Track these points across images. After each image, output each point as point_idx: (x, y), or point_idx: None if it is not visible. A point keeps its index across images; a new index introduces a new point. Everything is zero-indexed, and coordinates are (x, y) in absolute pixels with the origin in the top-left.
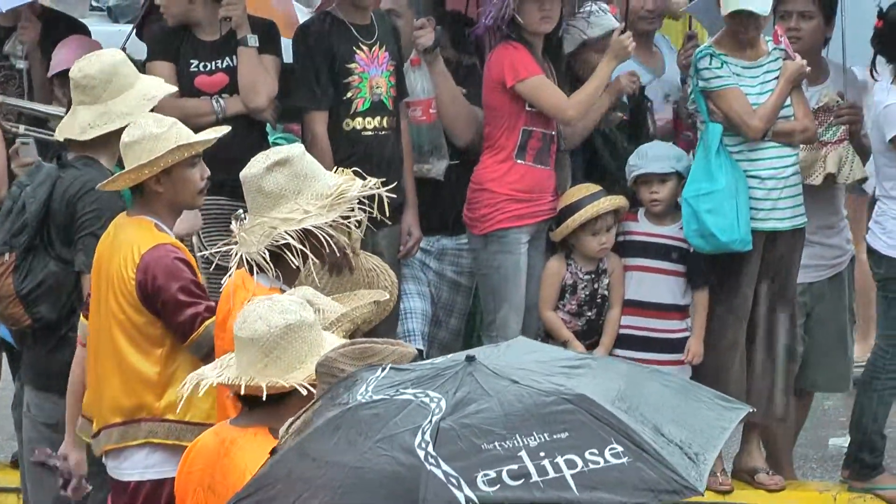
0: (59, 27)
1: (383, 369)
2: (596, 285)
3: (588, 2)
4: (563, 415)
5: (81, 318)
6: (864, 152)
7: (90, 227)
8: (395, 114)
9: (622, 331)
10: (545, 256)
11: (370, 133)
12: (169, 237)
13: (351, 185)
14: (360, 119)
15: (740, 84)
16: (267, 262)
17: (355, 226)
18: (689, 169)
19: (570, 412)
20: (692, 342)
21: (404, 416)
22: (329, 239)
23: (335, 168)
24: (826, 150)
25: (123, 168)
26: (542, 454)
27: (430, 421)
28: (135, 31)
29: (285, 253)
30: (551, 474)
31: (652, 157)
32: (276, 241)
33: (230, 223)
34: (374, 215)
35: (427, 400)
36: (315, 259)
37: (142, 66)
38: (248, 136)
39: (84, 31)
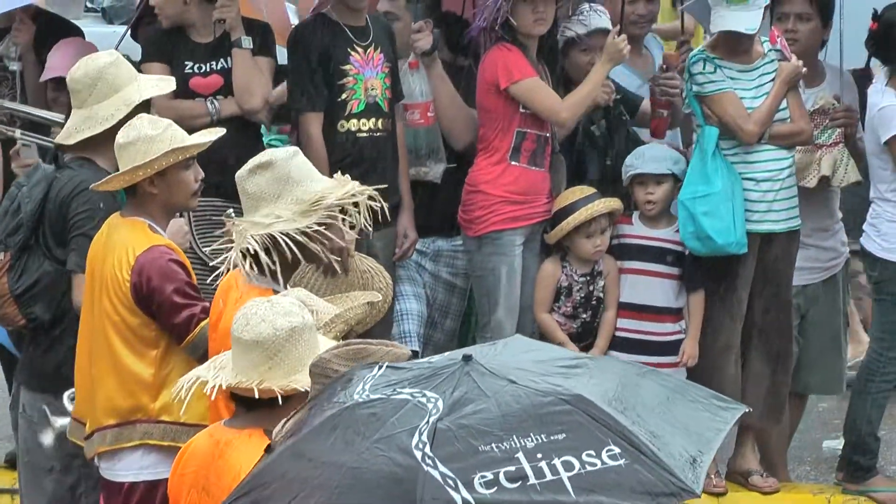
0: (53, 29)
1: (380, 367)
2: (591, 287)
3: (584, 4)
4: (560, 416)
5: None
6: (858, 155)
7: (82, 228)
8: (391, 116)
9: (617, 333)
10: (540, 258)
11: (365, 135)
12: (163, 238)
13: (331, 192)
14: (354, 121)
15: (735, 87)
16: (249, 262)
17: (349, 228)
18: (685, 172)
19: (567, 413)
20: (687, 344)
21: (401, 417)
22: (290, 245)
23: (336, 171)
24: (821, 153)
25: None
26: (539, 456)
27: (428, 421)
28: (129, 32)
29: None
30: (548, 477)
31: (648, 157)
32: (247, 245)
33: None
34: (369, 219)
35: (424, 400)
36: (305, 261)
37: (136, 68)
38: (243, 137)
39: (78, 32)
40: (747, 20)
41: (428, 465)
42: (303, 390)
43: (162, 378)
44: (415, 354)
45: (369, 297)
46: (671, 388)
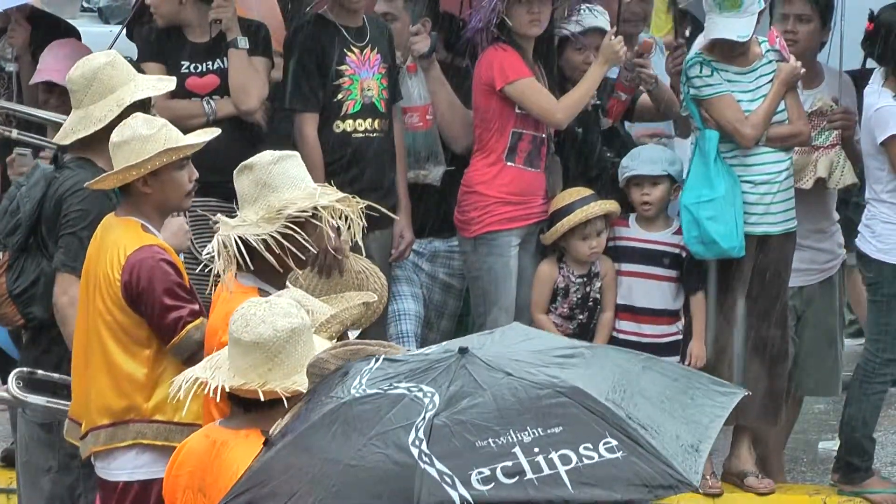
0: (49, 29)
1: (377, 360)
2: (588, 289)
3: (581, 4)
4: (557, 408)
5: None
6: (856, 157)
7: (73, 227)
8: (388, 116)
9: (614, 335)
10: (536, 259)
11: (361, 135)
12: (156, 239)
13: (296, 202)
14: (350, 121)
15: (733, 90)
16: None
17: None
18: (681, 173)
19: (563, 405)
20: (693, 345)
21: (398, 412)
22: (241, 249)
23: (331, 171)
24: (818, 155)
25: None
26: (536, 450)
27: (424, 417)
28: (125, 31)
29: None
30: (546, 471)
31: (644, 158)
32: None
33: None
34: (358, 229)
35: (420, 395)
36: (291, 262)
37: (137, 69)
38: (239, 138)
39: (74, 32)
40: (739, 27)
41: (425, 462)
42: (304, 391)
43: (155, 378)
44: None
45: (365, 298)
46: (671, 375)
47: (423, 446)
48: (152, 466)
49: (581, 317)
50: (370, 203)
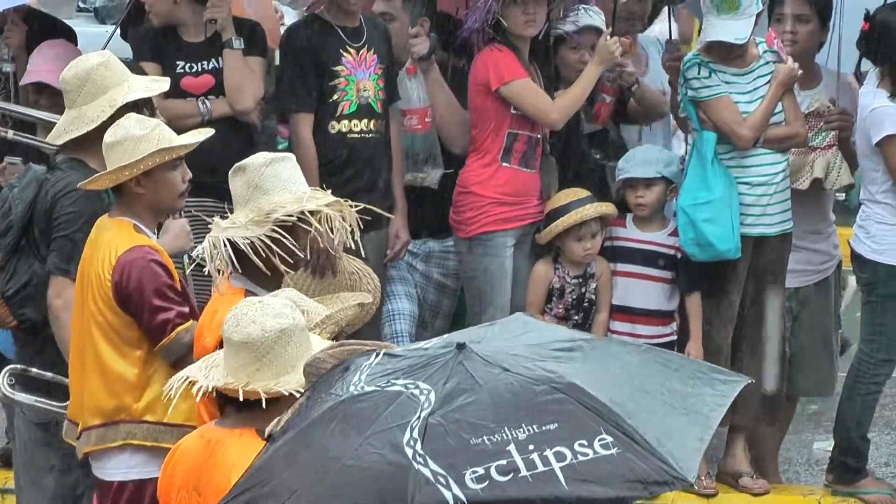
0: (46, 29)
1: (377, 355)
2: (583, 289)
3: (577, 5)
4: (552, 404)
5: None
6: (852, 158)
7: (65, 230)
8: (384, 117)
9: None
10: (531, 260)
11: (356, 136)
12: (147, 239)
13: (284, 207)
14: (346, 122)
15: (730, 91)
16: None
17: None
18: (677, 175)
19: (559, 402)
20: (691, 346)
21: (394, 410)
22: (229, 251)
23: (327, 172)
24: (814, 156)
25: None
26: (530, 447)
27: (419, 416)
28: (120, 31)
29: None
30: (540, 468)
31: (639, 161)
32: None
33: None
34: (349, 233)
35: (417, 392)
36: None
37: (135, 69)
38: (234, 138)
39: (70, 33)
40: (737, 30)
41: (419, 462)
42: (286, 394)
43: (146, 378)
44: None
45: (360, 298)
46: (672, 366)
47: (418, 446)
48: (146, 466)
49: (576, 317)
50: (364, 206)
